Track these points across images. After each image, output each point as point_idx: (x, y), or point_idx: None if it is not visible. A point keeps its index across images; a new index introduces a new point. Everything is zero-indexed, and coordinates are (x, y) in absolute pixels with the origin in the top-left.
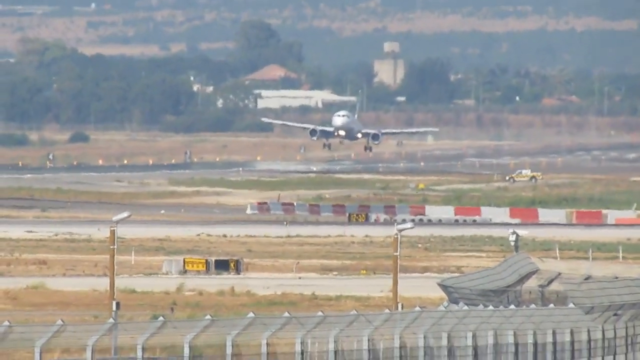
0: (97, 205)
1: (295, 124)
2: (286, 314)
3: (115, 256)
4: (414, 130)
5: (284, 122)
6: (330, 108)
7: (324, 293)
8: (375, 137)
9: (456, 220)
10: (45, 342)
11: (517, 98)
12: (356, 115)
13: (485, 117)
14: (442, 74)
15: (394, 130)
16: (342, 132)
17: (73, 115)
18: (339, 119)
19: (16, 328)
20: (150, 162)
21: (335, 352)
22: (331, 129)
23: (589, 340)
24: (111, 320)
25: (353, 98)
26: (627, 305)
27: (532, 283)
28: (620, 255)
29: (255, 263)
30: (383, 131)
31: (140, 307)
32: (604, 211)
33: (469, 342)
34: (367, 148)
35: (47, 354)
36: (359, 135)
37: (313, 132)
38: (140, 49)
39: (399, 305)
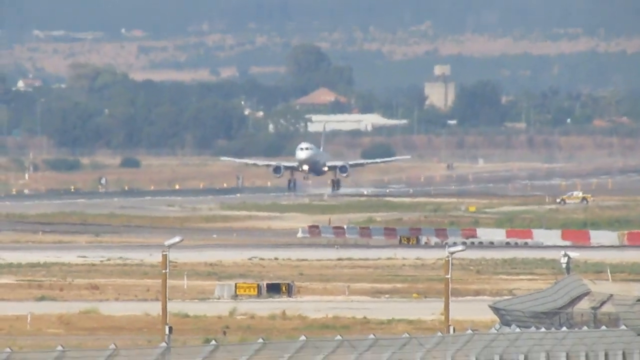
0: (149, 230)
1: (258, 162)
2: (338, 337)
3: (168, 281)
4: (382, 160)
5: (242, 161)
6: (381, 132)
7: (375, 316)
8: (342, 169)
9: (507, 243)
10: None
11: (568, 120)
12: (321, 148)
13: (536, 140)
14: (493, 96)
15: (361, 161)
16: (305, 167)
17: (124, 141)
18: (302, 152)
19: (69, 353)
20: (202, 186)
21: None
22: (295, 164)
23: None
24: (164, 344)
25: (404, 121)
26: None
27: (584, 305)
28: None
29: (307, 286)
30: (350, 163)
31: (193, 332)
32: None
33: None
34: (335, 181)
35: None
36: (326, 168)
37: (277, 170)
38: (191, 74)
39: (451, 328)
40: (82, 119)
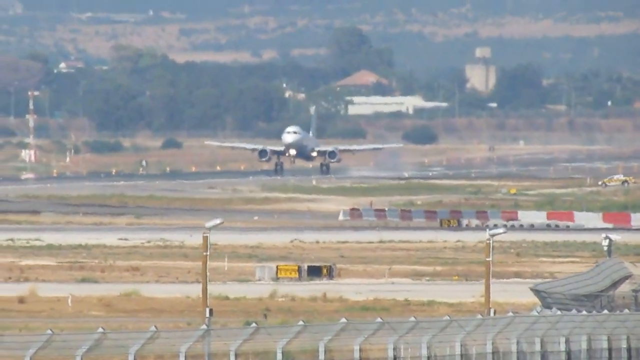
0: (190, 212)
1: (241, 145)
2: (378, 320)
3: (208, 263)
4: (372, 147)
5: (226, 145)
6: (422, 114)
7: (416, 298)
8: (332, 154)
9: (548, 225)
10: (138, 348)
11: (609, 102)
12: (311, 133)
13: (577, 122)
14: (533, 79)
15: (350, 148)
16: (292, 151)
17: (166, 122)
18: (288, 135)
19: (110, 335)
20: (242, 168)
21: (428, 358)
22: (282, 148)
23: None
24: (204, 326)
25: (445, 104)
26: None
27: (625, 288)
28: None
29: (348, 269)
30: (340, 148)
31: (233, 314)
32: None
33: (562, 347)
34: (324, 166)
35: None
36: (314, 153)
37: (262, 153)
38: (232, 55)
39: (492, 311)
40: (123, 101)
